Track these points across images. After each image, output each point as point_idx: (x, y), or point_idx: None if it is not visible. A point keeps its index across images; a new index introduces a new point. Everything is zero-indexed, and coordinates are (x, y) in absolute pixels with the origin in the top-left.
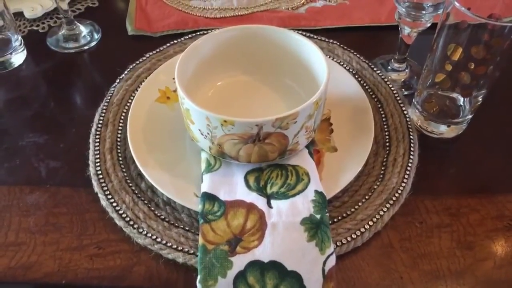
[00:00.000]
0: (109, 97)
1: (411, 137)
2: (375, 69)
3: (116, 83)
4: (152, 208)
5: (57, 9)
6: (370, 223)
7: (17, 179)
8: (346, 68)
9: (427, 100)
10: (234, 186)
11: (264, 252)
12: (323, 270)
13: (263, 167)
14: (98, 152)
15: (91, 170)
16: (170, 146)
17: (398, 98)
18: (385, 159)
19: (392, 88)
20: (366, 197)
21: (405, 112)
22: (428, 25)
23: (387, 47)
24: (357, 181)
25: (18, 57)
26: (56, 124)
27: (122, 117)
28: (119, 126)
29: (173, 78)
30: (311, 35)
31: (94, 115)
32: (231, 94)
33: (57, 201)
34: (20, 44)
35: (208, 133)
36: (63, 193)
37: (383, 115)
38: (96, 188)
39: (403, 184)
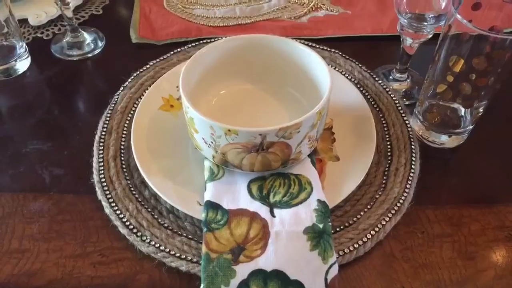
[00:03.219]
0: (113, 105)
1: (412, 147)
2: (376, 78)
3: (120, 91)
4: (156, 216)
5: (61, 16)
6: (372, 232)
7: (21, 186)
8: (348, 77)
9: (428, 110)
10: (237, 195)
11: (267, 261)
12: (326, 279)
13: (266, 176)
14: (102, 159)
15: (95, 177)
16: (173, 154)
17: (399, 107)
18: (386, 169)
19: (393, 98)
20: (368, 207)
21: (407, 122)
22: (430, 36)
23: (389, 57)
24: (359, 191)
25: (22, 64)
26: (60, 131)
27: (126, 125)
28: (123, 133)
29: (177, 87)
30: (313, 45)
31: (98, 123)
32: (234, 103)
33: (61, 209)
34: (25, 51)
35: (212, 142)
36: (67, 200)
37: (384, 125)
38: (100, 195)
39: (405, 194)
